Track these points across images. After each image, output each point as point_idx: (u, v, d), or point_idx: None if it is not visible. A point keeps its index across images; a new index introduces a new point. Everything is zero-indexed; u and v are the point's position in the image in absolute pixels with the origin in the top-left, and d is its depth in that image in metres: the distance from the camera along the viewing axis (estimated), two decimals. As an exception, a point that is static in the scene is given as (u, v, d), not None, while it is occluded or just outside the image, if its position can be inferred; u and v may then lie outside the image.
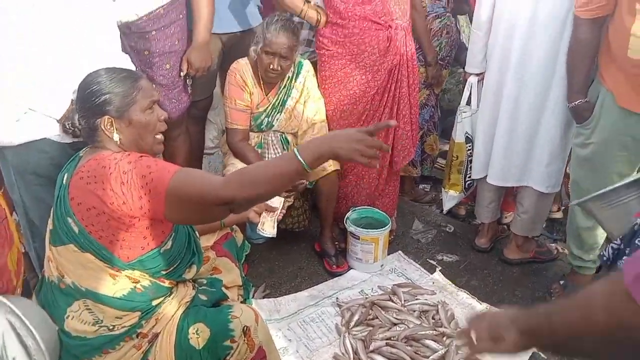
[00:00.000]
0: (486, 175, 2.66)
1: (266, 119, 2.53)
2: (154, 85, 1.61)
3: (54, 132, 1.78)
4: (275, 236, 2.17)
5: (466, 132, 2.73)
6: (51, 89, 1.73)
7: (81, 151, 1.56)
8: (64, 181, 1.48)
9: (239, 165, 2.41)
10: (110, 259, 1.43)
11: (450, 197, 2.89)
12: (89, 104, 1.49)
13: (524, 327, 0.95)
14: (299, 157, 1.28)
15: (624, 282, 0.76)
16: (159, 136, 1.59)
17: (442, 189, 2.96)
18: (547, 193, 2.57)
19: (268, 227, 2.17)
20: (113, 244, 1.42)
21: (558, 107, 2.36)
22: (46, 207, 1.77)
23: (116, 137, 1.50)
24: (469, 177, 2.80)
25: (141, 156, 1.43)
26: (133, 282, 1.48)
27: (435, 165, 3.43)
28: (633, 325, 0.76)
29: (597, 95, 2.15)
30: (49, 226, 1.53)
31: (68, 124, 1.59)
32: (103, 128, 1.49)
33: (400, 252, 2.84)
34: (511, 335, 0.96)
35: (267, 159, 2.54)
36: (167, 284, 1.55)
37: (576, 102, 2.18)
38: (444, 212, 3.02)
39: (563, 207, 3.05)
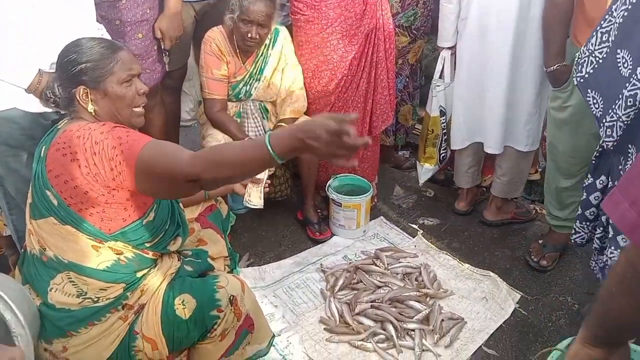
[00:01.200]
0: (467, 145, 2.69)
1: (244, 88, 2.50)
2: (135, 59, 1.56)
3: (22, 102, 1.74)
4: (262, 207, 2.17)
5: (440, 106, 2.74)
6: (18, 58, 1.69)
7: (60, 122, 1.53)
8: (42, 153, 1.45)
9: (218, 135, 2.38)
10: (91, 231, 1.41)
11: (426, 170, 2.91)
12: (66, 72, 1.47)
13: (594, 342, 1.01)
14: (269, 147, 1.17)
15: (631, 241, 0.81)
16: (138, 109, 1.56)
17: (417, 162, 2.98)
18: (526, 153, 2.62)
19: (255, 198, 2.16)
20: (93, 216, 1.41)
21: (531, 68, 2.42)
22: (21, 178, 1.74)
23: (91, 108, 1.48)
24: (444, 149, 2.83)
25: (115, 126, 1.40)
26: (116, 254, 1.47)
27: (414, 131, 3.43)
28: None
29: (572, 58, 2.16)
30: (29, 199, 1.50)
31: (49, 93, 1.55)
32: (78, 98, 1.46)
33: (382, 217, 2.87)
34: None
35: (246, 128, 2.52)
36: (151, 255, 1.55)
37: (554, 67, 2.19)
38: (420, 184, 3.03)
39: (540, 169, 3.10)
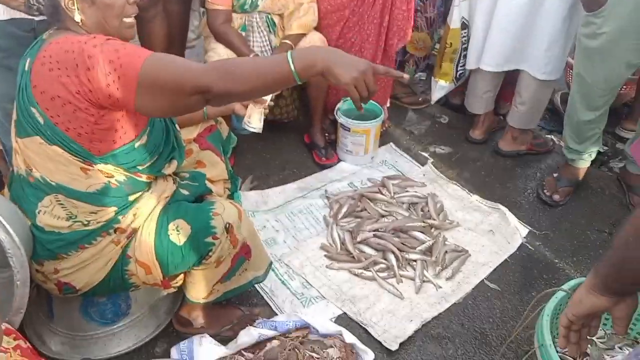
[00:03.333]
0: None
1: (250, -2, 2.31)
2: None
3: None
4: (261, 131, 2.06)
5: (462, 17, 2.53)
6: None
7: (44, 33, 1.40)
8: (26, 67, 1.34)
9: (220, 50, 2.24)
10: (79, 152, 1.33)
11: (440, 86, 2.75)
12: None
13: (602, 291, 0.99)
14: (290, 63, 1.18)
15: None
16: (129, 19, 1.42)
17: (432, 77, 2.80)
18: (547, 81, 2.46)
19: (255, 121, 2.04)
20: (82, 137, 1.32)
21: None
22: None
23: (77, 17, 1.34)
24: (462, 66, 2.64)
25: (108, 39, 1.28)
26: (107, 177, 1.40)
27: (433, 51, 3.21)
28: None
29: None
30: (14, 116, 1.42)
31: (32, 0, 1.42)
32: (64, 6, 1.33)
33: (391, 143, 2.77)
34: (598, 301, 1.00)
35: (251, 42, 2.36)
36: (144, 178, 1.48)
37: None
38: (433, 102, 2.88)
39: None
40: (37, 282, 1.55)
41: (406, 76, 1.36)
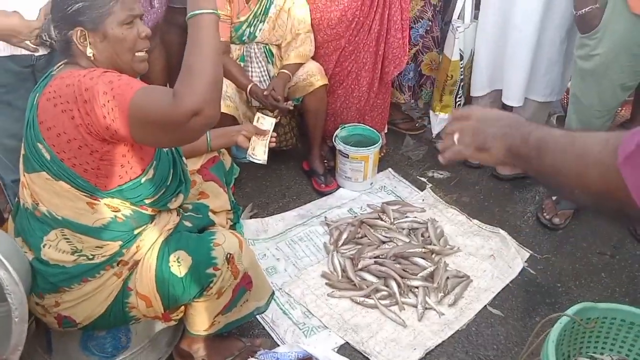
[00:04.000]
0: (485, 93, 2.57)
1: (248, 29, 2.34)
2: None
3: None
4: (265, 162, 2.07)
5: (460, 49, 2.57)
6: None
7: (54, 68, 1.42)
8: (34, 101, 1.35)
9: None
10: (86, 187, 1.33)
11: (441, 119, 2.77)
12: (62, 12, 1.34)
13: (512, 150, 0.89)
14: None
15: (617, 160, 0.73)
16: (141, 54, 1.42)
17: (431, 111, 2.83)
18: (545, 104, 2.50)
19: (259, 153, 2.06)
20: (88, 172, 1.32)
21: (560, 9, 2.29)
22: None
23: (89, 51, 1.35)
24: (459, 97, 2.68)
25: (105, 71, 1.29)
26: (113, 211, 1.40)
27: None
28: (619, 199, 0.74)
29: (605, 3, 1.99)
30: (22, 151, 1.42)
31: (44, 36, 1.43)
32: (75, 41, 1.34)
33: (390, 169, 2.78)
34: (495, 152, 0.92)
35: (250, 72, 2.39)
36: (150, 211, 1.47)
37: (586, 9, 2.01)
38: (434, 136, 2.90)
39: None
40: (37, 316, 1.54)
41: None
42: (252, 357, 1.71)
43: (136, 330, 1.72)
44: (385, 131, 2.85)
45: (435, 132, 2.85)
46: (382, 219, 2.37)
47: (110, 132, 1.24)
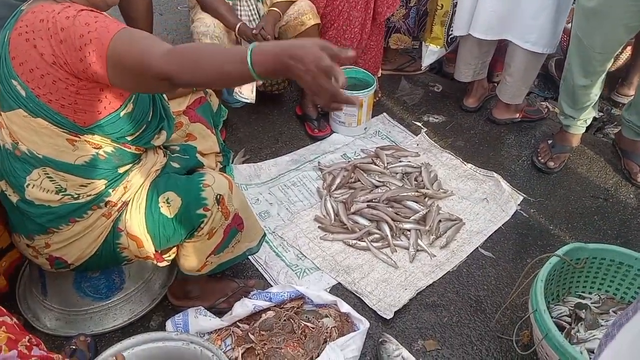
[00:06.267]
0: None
1: (237, -35, 2.24)
2: None
3: None
4: (254, 101, 2.02)
5: None
6: None
7: (24, 4, 1.35)
8: (5, 38, 1.30)
9: (207, 20, 2.18)
10: (64, 123, 1.30)
11: (431, 52, 2.69)
12: None
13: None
14: (250, 65, 1.07)
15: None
16: None
17: (422, 42, 2.75)
18: (537, 55, 2.39)
19: (246, 91, 2.00)
20: (65, 108, 1.28)
21: None
22: None
23: None
24: (453, 30, 2.58)
25: (81, 9, 1.23)
26: (95, 148, 1.37)
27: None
28: None
29: None
30: None
31: None
32: None
33: (385, 114, 2.74)
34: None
35: (239, 11, 2.29)
36: (133, 150, 1.45)
37: None
38: (423, 68, 2.83)
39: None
40: (29, 258, 1.54)
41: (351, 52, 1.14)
42: (245, 297, 1.73)
43: (130, 272, 1.73)
44: (379, 75, 2.79)
45: (425, 64, 2.78)
46: (375, 164, 2.35)
47: (87, 73, 1.21)
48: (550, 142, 2.47)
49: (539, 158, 2.43)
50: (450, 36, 2.61)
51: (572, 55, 2.22)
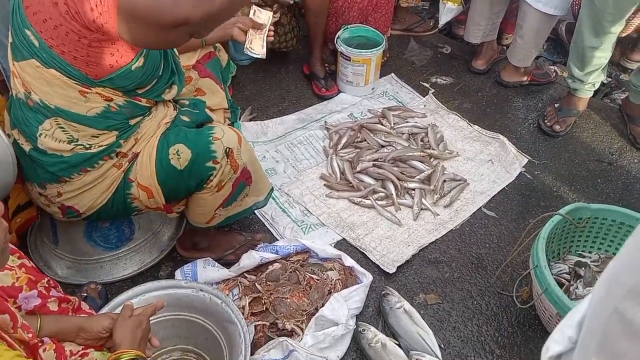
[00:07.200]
0: None
1: None
2: None
3: None
4: (264, 57, 2.01)
5: None
6: None
7: None
8: None
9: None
10: (76, 75, 1.30)
11: (448, 9, 2.65)
12: None
13: None
14: None
15: None
16: None
17: (440, 0, 2.71)
18: (549, 17, 2.36)
19: (257, 47, 1.98)
20: (77, 60, 1.29)
21: None
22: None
23: None
24: None
25: None
26: (106, 100, 1.38)
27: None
28: None
29: None
30: (9, 39, 1.38)
31: None
32: None
33: (393, 74, 2.73)
34: None
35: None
36: (144, 102, 1.46)
37: None
38: (440, 26, 2.81)
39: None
40: (41, 206, 1.58)
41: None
42: (252, 249, 1.77)
43: (139, 223, 1.77)
44: (389, 35, 2.76)
45: (442, 22, 2.76)
46: (382, 124, 2.36)
47: (97, 24, 1.20)
48: (557, 105, 2.47)
49: (545, 121, 2.44)
50: None
51: (583, 15, 2.19)
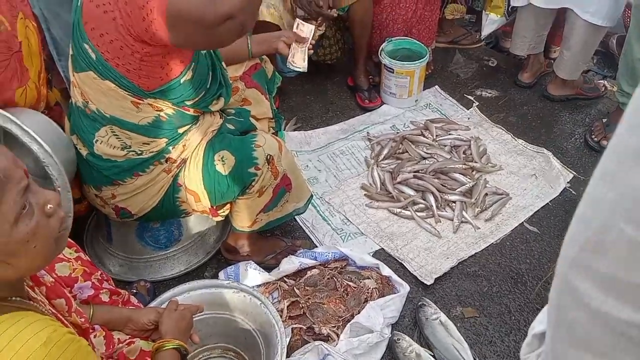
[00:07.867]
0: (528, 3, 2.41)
1: None
2: None
3: None
4: (306, 70, 2.08)
5: None
6: None
7: None
8: (79, 3, 1.41)
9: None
10: (130, 87, 1.40)
11: (491, 20, 2.65)
12: None
13: None
14: None
15: None
16: None
17: (483, 11, 2.71)
18: (597, 28, 2.32)
19: (298, 60, 2.05)
20: (130, 73, 1.39)
21: None
22: (65, 24, 1.70)
23: None
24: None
25: None
26: (157, 110, 1.47)
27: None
28: None
29: None
30: (70, 51, 1.50)
31: None
32: None
33: (437, 86, 2.74)
34: None
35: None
36: (192, 112, 1.55)
37: None
38: (483, 37, 2.80)
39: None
40: (97, 207, 1.69)
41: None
42: (292, 255, 1.82)
43: (187, 225, 1.86)
44: (433, 47, 2.78)
45: (485, 33, 2.75)
46: (424, 136, 2.37)
47: (150, 33, 1.28)
48: (605, 120, 2.41)
49: (593, 136, 2.39)
50: (511, 5, 2.57)
51: (633, 27, 2.14)
